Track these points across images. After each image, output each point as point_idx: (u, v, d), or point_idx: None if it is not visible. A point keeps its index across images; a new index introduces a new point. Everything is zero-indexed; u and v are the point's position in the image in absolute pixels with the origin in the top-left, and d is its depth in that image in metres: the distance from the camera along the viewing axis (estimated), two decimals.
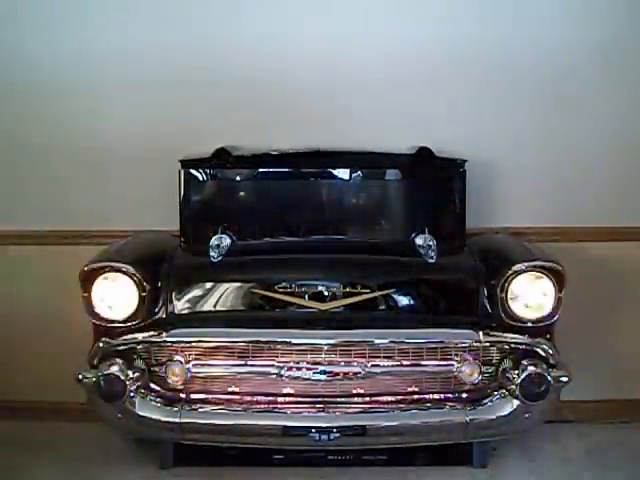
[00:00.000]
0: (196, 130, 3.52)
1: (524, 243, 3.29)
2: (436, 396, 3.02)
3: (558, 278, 2.99)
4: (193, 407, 2.99)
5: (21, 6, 3.49)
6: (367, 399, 3.01)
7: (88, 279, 2.98)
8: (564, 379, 2.95)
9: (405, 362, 2.96)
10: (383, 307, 3.07)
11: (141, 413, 2.99)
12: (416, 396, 3.01)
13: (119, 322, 3.00)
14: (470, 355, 2.97)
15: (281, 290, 3.03)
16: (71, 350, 3.11)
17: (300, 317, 3.02)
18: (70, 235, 3.56)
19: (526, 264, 3.01)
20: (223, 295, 3.07)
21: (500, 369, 2.99)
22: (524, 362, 2.92)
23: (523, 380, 2.88)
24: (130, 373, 2.91)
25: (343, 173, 3.43)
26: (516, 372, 2.91)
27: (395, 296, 3.07)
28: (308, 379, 2.96)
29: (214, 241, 3.27)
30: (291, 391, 3.00)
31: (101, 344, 2.99)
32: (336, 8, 3.47)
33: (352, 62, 3.49)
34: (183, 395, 3.02)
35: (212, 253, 3.21)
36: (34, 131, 3.56)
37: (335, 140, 3.48)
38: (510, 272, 3.00)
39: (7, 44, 3.52)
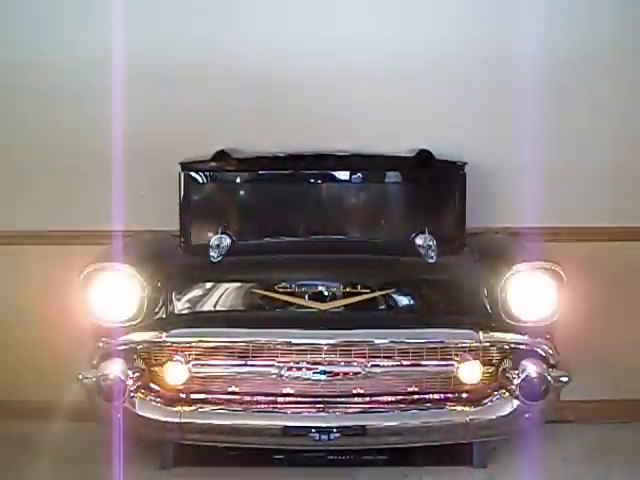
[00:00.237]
0: (196, 132, 3.53)
1: (524, 243, 3.29)
2: (436, 396, 3.02)
3: (558, 278, 2.99)
4: (193, 407, 2.99)
5: (21, 6, 3.50)
6: (367, 399, 3.01)
7: (88, 279, 2.98)
8: (564, 379, 2.95)
9: (405, 362, 2.96)
10: (383, 307, 3.07)
11: (141, 413, 2.99)
12: (416, 396, 3.01)
13: (119, 322, 3.00)
14: (470, 355, 2.96)
15: (281, 290, 3.03)
16: (71, 350, 3.11)
17: (300, 317, 3.02)
18: (70, 235, 3.56)
19: (526, 264, 3.02)
20: (223, 295, 3.07)
21: (500, 369, 2.99)
22: (524, 362, 2.92)
23: (523, 380, 2.88)
24: (130, 373, 2.91)
25: (343, 175, 3.43)
26: (516, 372, 2.91)
27: (395, 296, 3.07)
28: (308, 379, 2.96)
29: (214, 241, 3.28)
30: (291, 391, 3.00)
31: (101, 344, 2.99)
32: (336, 9, 3.47)
33: (352, 64, 3.50)
34: (183, 395, 3.02)
35: (212, 253, 3.22)
36: (34, 131, 3.57)
37: (335, 142, 3.48)
38: (510, 272, 3.00)
39: (7, 44, 3.52)
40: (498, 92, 3.52)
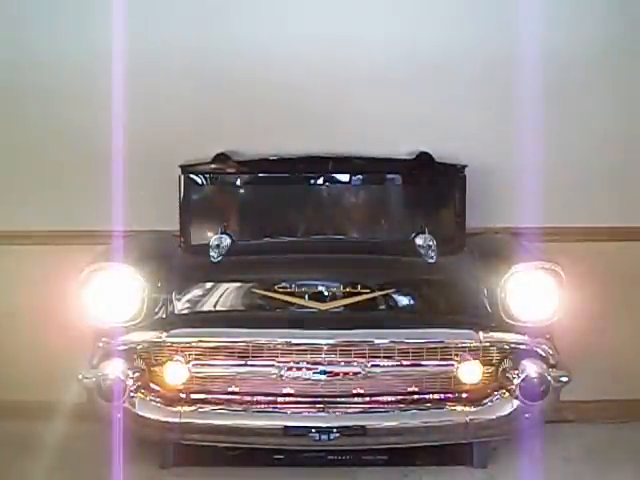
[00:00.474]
0: (196, 131, 3.53)
1: (524, 243, 3.30)
2: (436, 396, 3.02)
3: (558, 278, 2.99)
4: (193, 407, 2.99)
5: (22, 6, 3.49)
6: (367, 399, 3.01)
7: (88, 279, 2.98)
8: (564, 379, 2.95)
9: (405, 362, 2.96)
10: (383, 307, 3.07)
11: (141, 413, 2.99)
12: (416, 396, 3.01)
13: (119, 322, 3.00)
14: (470, 355, 2.96)
15: (281, 290, 3.03)
16: (71, 350, 3.12)
17: (300, 317, 3.02)
18: (70, 235, 3.56)
19: (526, 264, 3.02)
20: (223, 295, 3.07)
21: (500, 369, 2.99)
22: (524, 362, 2.92)
23: (523, 380, 2.88)
24: (130, 373, 2.91)
25: (343, 177, 3.43)
26: (516, 372, 2.91)
27: (395, 296, 3.07)
28: (308, 379, 2.96)
29: (214, 241, 3.28)
30: (291, 391, 3.00)
31: (101, 344, 2.99)
32: (336, 10, 3.47)
33: (352, 66, 3.50)
34: (183, 395, 3.02)
35: (212, 253, 3.22)
36: (34, 131, 3.57)
37: (335, 144, 3.48)
38: (510, 272, 3.00)
39: (8, 44, 3.52)
40: (498, 92, 3.52)
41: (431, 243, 3.24)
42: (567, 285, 3.00)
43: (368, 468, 3.24)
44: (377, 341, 2.97)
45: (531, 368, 2.90)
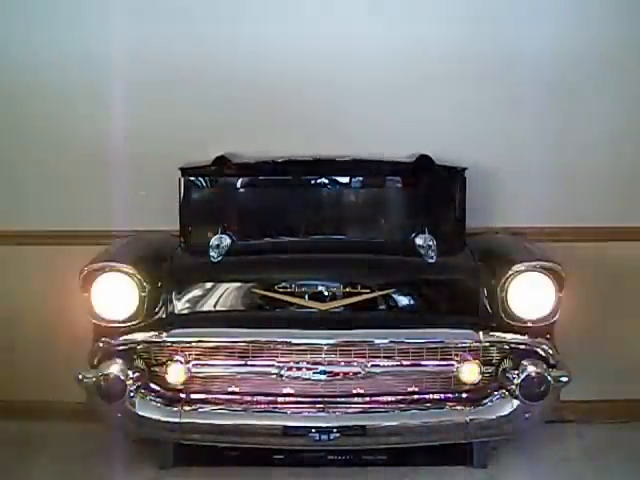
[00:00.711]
0: (196, 131, 3.52)
1: (524, 243, 3.29)
2: (436, 396, 3.02)
3: (558, 278, 2.99)
4: (193, 407, 2.99)
5: (22, 6, 3.50)
6: (367, 399, 3.01)
7: (88, 279, 2.98)
8: (564, 379, 2.95)
9: (405, 362, 2.96)
10: (383, 307, 3.07)
11: (141, 413, 2.99)
12: (416, 396, 3.01)
13: (119, 322, 3.00)
14: (470, 355, 2.97)
15: (281, 290, 3.03)
16: (71, 350, 3.12)
17: (300, 317, 3.02)
18: (70, 235, 3.56)
19: (526, 264, 3.01)
20: (223, 295, 3.07)
21: (500, 369, 2.99)
22: (524, 362, 2.92)
23: (523, 380, 2.88)
24: (130, 373, 2.90)
25: (342, 180, 3.42)
26: (516, 372, 2.91)
27: (395, 296, 3.07)
28: (308, 379, 2.96)
29: (214, 241, 3.27)
30: (291, 391, 3.00)
31: (101, 344, 2.98)
32: (336, 11, 3.47)
33: (352, 67, 3.49)
34: (183, 395, 3.02)
35: (212, 253, 3.22)
36: (34, 131, 3.56)
37: (335, 146, 3.47)
38: (510, 272, 3.00)
39: (8, 44, 3.52)
40: (499, 92, 3.51)
41: (431, 243, 3.24)
42: (567, 285, 2.99)
43: (368, 468, 3.23)
44: (377, 341, 2.97)
45: (531, 368, 2.89)
